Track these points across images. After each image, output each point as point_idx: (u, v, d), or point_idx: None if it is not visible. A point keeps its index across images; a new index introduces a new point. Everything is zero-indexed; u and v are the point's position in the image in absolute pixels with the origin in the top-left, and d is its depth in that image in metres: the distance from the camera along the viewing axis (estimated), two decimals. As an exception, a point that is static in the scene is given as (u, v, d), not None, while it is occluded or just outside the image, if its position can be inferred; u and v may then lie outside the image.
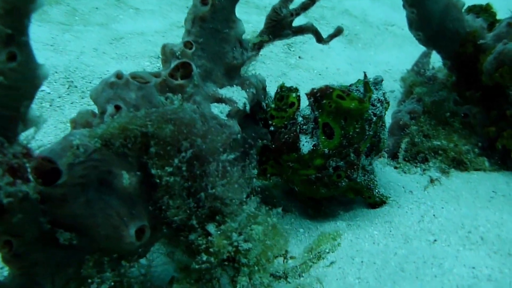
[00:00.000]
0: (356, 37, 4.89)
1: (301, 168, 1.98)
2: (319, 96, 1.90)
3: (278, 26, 2.81)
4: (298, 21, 2.71)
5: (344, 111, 1.89)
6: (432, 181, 2.58)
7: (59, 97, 2.77)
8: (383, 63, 4.35)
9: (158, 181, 1.47)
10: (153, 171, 1.45)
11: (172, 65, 1.79)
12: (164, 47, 1.91)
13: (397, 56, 4.48)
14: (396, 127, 2.89)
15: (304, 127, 1.95)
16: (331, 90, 1.88)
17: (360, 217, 2.20)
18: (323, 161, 1.95)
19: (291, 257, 1.81)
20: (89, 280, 1.45)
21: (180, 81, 1.75)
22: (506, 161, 2.69)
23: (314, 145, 1.92)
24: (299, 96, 2.00)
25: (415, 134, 2.80)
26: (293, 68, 3.90)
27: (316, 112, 1.94)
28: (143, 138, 1.46)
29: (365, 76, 2.09)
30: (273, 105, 2.01)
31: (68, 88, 2.84)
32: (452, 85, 3.00)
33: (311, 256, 1.91)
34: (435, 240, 1.83)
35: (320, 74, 3.90)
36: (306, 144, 1.92)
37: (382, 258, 1.80)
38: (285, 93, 2.00)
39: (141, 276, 1.59)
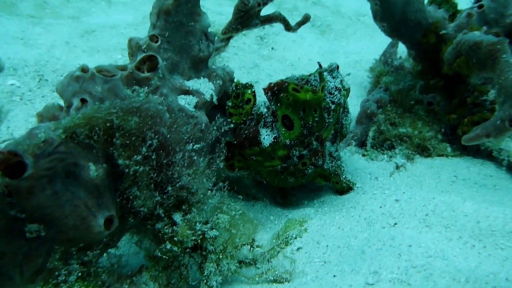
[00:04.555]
0: (329, 28, 4.94)
1: (265, 160, 2.03)
2: (276, 90, 1.96)
3: (246, 16, 2.88)
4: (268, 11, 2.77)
5: (301, 103, 1.94)
6: (397, 167, 2.67)
7: (30, 90, 2.76)
8: (354, 53, 4.41)
9: (126, 170, 1.50)
10: (120, 162, 1.49)
11: (138, 58, 1.83)
12: (130, 40, 1.94)
13: (368, 46, 4.55)
14: (364, 116, 2.96)
15: (268, 119, 2.00)
16: (286, 84, 1.93)
17: (328, 204, 2.27)
18: (286, 151, 2.01)
19: (258, 246, 1.85)
20: (56, 273, 1.48)
21: (146, 74, 1.79)
22: (467, 147, 2.79)
23: (275, 138, 1.97)
24: (254, 92, 2.04)
25: (382, 122, 2.88)
26: (266, 59, 3.94)
27: (274, 106, 1.98)
28: (108, 130, 1.49)
29: (320, 66, 2.14)
30: (230, 103, 2.05)
31: (38, 81, 2.84)
32: (418, 74, 3.09)
33: (279, 242, 1.97)
34: (395, 224, 1.90)
35: (292, 65, 3.95)
36: (267, 138, 1.97)
37: (345, 242, 1.87)
38: (241, 91, 2.04)
39: (110, 265, 1.63)
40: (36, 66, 2.95)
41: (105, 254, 1.64)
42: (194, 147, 1.61)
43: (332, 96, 2.13)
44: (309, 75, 2.15)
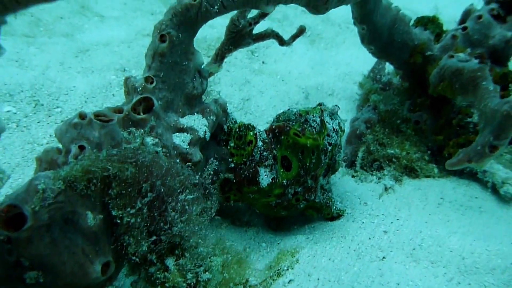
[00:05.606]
0: (319, 37, 4.98)
1: (262, 197, 2.12)
2: (278, 133, 2.07)
3: (238, 36, 2.93)
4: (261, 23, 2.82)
5: (300, 146, 2.06)
6: (386, 189, 2.74)
7: (26, 116, 2.80)
8: (343, 64, 4.45)
9: (119, 221, 1.57)
10: (114, 213, 1.55)
11: (134, 100, 1.87)
12: (126, 80, 1.99)
13: (357, 56, 4.59)
14: (354, 136, 3.03)
15: (264, 153, 2.08)
16: (288, 128, 2.05)
17: (318, 231, 2.34)
18: (282, 190, 2.11)
19: (250, 286, 1.92)
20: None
21: (142, 116, 1.84)
22: (453, 168, 2.87)
23: (273, 178, 2.06)
24: (256, 134, 2.11)
25: (371, 142, 2.94)
26: (257, 74, 3.98)
27: (275, 151, 2.08)
28: (105, 180, 1.55)
29: (322, 112, 2.21)
30: (232, 144, 2.12)
31: (34, 106, 2.88)
32: (405, 91, 3.17)
33: (271, 273, 2.05)
34: (383, 257, 1.98)
35: (283, 80, 3.99)
36: (265, 178, 2.05)
37: (336, 275, 1.93)
38: (243, 133, 2.10)
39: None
40: (32, 91, 2.98)
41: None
42: (187, 197, 1.67)
43: (329, 138, 2.23)
44: (308, 113, 2.21)
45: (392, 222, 2.22)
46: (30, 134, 2.70)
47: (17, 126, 2.73)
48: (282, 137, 2.06)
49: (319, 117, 2.19)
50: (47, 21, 4.02)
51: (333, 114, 2.34)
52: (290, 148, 2.07)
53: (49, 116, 2.87)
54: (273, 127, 2.08)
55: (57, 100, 3.00)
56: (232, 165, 2.10)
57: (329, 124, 2.26)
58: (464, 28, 2.91)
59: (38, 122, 2.81)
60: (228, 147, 2.14)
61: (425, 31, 2.96)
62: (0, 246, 1.43)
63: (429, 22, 3.11)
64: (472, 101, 2.77)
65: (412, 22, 2.96)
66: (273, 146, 2.08)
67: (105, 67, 3.48)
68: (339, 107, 2.39)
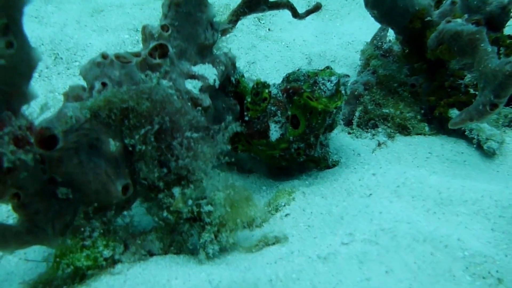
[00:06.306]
0: (324, 8, 5.12)
1: (268, 150, 2.39)
2: (292, 93, 2.30)
3: (255, 1, 3.09)
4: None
5: (310, 108, 2.29)
6: (379, 144, 2.94)
7: (47, 67, 3.01)
8: (347, 34, 4.61)
9: (130, 149, 1.78)
10: (126, 141, 1.77)
11: (151, 46, 2.07)
12: (144, 28, 2.18)
13: (360, 27, 4.74)
14: (352, 97, 3.22)
15: (276, 110, 2.30)
16: (302, 90, 2.28)
17: (314, 176, 2.56)
18: (288, 145, 2.36)
19: (257, 226, 2.13)
20: (82, 229, 1.78)
21: (157, 60, 2.03)
22: (443, 126, 3.06)
23: (281, 134, 2.31)
24: (270, 92, 2.34)
25: (368, 102, 3.14)
26: (263, 40, 4.16)
27: (289, 111, 2.31)
28: (124, 112, 1.76)
29: (339, 82, 2.34)
30: (249, 99, 2.33)
31: (54, 59, 3.08)
32: (404, 57, 3.33)
33: (270, 208, 2.27)
34: (370, 194, 2.20)
35: (287, 46, 4.17)
36: (275, 133, 2.31)
37: (327, 209, 2.16)
38: (260, 90, 2.32)
39: (125, 224, 1.92)
40: (52, 45, 3.19)
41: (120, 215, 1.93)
42: (193, 135, 1.87)
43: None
44: (317, 74, 2.38)
45: (381, 167, 2.43)
46: (51, 84, 2.91)
47: (39, 76, 2.94)
48: (295, 97, 2.28)
49: (334, 85, 2.32)
50: (63, -19, 4.20)
51: (344, 85, 2.46)
52: (301, 108, 2.30)
53: (68, 69, 3.08)
54: (288, 87, 2.32)
55: (75, 54, 3.20)
56: (247, 118, 2.34)
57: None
58: (464, -6, 3.07)
59: (58, 73, 3.02)
60: (245, 101, 2.37)
61: (426, -4, 3.10)
62: (36, 166, 1.65)
63: (431, -12, 3.25)
64: (469, 63, 2.94)
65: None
66: (285, 106, 2.30)
67: (119, 27, 3.67)
68: (349, 78, 2.54)
